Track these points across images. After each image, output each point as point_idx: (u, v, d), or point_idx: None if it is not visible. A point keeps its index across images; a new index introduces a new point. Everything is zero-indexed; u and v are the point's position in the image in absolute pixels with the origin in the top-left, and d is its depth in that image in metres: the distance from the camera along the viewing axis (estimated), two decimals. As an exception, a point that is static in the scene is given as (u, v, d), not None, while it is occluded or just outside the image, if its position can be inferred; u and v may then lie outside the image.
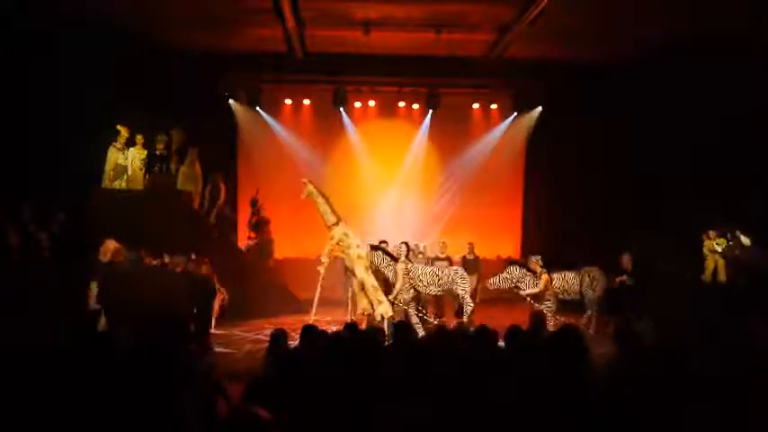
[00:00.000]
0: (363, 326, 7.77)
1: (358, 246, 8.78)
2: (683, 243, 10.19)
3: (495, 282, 9.16)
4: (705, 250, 9.97)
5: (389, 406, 3.13)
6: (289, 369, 3.91)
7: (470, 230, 12.32)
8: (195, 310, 7.62)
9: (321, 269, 8.89)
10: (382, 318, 8.51)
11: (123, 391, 3.14)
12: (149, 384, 3.20)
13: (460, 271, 9.11)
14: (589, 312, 8.89)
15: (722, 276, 9.83)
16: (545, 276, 8.85)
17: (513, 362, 4.01)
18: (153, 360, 3.49)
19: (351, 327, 5.29)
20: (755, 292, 8.68)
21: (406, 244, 9.31)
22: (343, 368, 3.76)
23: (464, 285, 8.92)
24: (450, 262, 10.19)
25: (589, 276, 8.97)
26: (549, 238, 13.29)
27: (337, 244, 8.81)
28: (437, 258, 10.23)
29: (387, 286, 8.95)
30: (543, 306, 8.74)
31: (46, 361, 3.54)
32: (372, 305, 8.61)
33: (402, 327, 5.14)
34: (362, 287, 8.71)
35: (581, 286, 8.94)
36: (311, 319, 8.50)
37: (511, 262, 9.63)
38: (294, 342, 4.95)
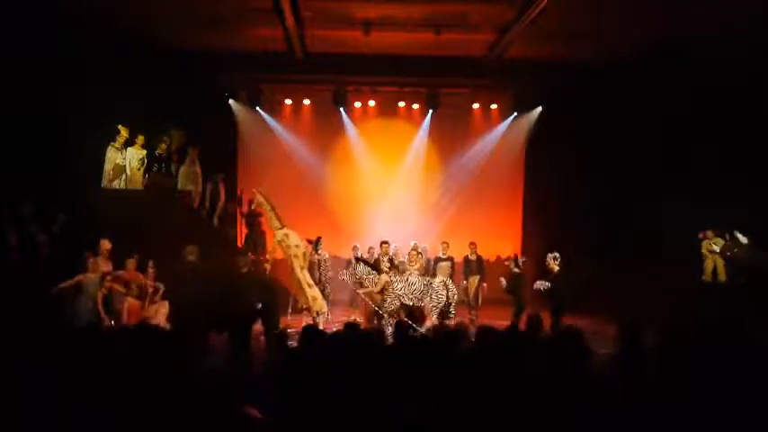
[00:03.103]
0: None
1: (297, 245, 9.48)
2: (683, 243, 10.20)
3: (344, 275, 9.94)
4: (704, 250, 10.00)
5: (389, 406, 3.13)
6: (288, 369, 3.90)
7: (470, 230, 12.28)
8: (262, 309, 8.09)
9: (267, 266, 9.87)
10: (317, 313, 9.23)
11: (122, 391, 3.15)
12: (148, 384, 3.20)
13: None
14: (428, 324, 8.82)
15: (722, 276, 9.85)
16: (383, 277, 9.10)
17: (513, 362, 4.01)
18: (153, 360, 3.49)
19: (351, 327, 5.28)
20: (755, 291, 8.69)
21: (308, 241, 10.18)
22: (342, 368, 3.76)
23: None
24: (453, 263, 10.16)
25: (430, 286, 8.99)
26: (548, 239, 13.27)
27: (278, 244, 9.63)
28: (439, 259, 10.19)
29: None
30: (383, 307, 8.97)
31: (45, 361, 3.54)
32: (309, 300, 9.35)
33: (402, 327, 5.14)
34: (301, 284, 9.45)
35: (422, 293, 8.96)
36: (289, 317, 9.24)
37: (356, 259, 10.09)
38: (294, 342, 4.95)
